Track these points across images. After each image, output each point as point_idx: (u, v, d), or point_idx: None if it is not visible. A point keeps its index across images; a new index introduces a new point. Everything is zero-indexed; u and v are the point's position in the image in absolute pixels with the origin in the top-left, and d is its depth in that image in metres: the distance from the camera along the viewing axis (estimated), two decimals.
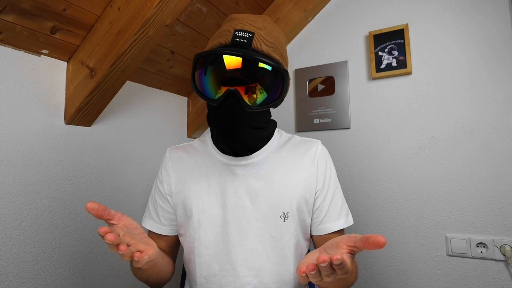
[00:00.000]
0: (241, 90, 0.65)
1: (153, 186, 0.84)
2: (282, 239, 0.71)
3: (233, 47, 0.64)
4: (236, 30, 0.65)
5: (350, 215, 0.78)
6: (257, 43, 0.64)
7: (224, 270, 0.71)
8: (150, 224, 0.82)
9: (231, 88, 0.62)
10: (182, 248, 0.82)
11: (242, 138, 0.69)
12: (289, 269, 0.72)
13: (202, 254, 0.73)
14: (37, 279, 0.95)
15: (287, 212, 0.71)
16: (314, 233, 0.77)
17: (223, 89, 0.66)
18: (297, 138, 0.81)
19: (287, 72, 0.66)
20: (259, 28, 0.67)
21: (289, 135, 0.83)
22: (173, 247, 0.83)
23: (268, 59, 0.63)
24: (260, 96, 0.66)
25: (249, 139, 0.71)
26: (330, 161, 0.79)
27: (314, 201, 0.75)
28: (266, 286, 0.70)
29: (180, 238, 0.80)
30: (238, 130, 0.68)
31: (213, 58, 0.66)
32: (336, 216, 0.75)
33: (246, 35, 0.64)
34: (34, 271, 0.95)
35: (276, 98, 0.66)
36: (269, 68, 0.64)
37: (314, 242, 0.79)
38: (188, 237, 0.75)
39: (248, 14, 0.71)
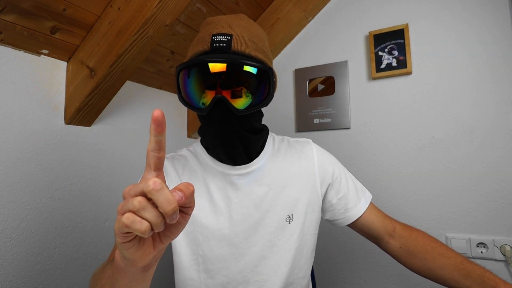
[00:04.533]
0: (227, 94, 0.63)
1: None
2: (288, 242, 0.72)
3: (213, 53, 0.63)
4: (213, 35, 0.63)
5: (367, 191, 0.83)
6: (236, 45, 0.62)
7: (233, 281, 0.71)
8: None
9: (218, 95, 0.61)
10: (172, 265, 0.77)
11: (239, 144, 0.67)
12: (295, 269, 0.73)
13: (208, 269, 0.71)
14: (37, 279, 0.95)
15: (292, 214, 0.72)
16: (345, 223, 0.80)
17: (210, 97, 0.64)
18: (289, 139, 0.83)
19: (271, 69, 0.65)
20: (236, 28, 0.65)
21: (280, 137, 0.83)
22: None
23: (251, 60, 0.63)
24: (247, 98, 0.64)
25: (247, 144, 0.69)
26: (327, 154, 0.82)
27: (325, 197, 0.78)
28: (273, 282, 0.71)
29: (177, 256, 0.73)
30: (233, 136, 0.66)
31: (196, 69, 0.65)
32: (355, 200, 0.79)
33: (224, 38, 0.62)
34: (34, 271, 0.95)
35: (264, 98, 0.65)
36: (253, 70, 0.63)
37: (354, 228, 0.82)
38: (190, 253, 0.72)
39: (225, 15, 0.70)
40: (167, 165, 0.75)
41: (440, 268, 0.72)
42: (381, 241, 0.81)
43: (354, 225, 0.81)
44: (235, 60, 0.61)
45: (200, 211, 0.71)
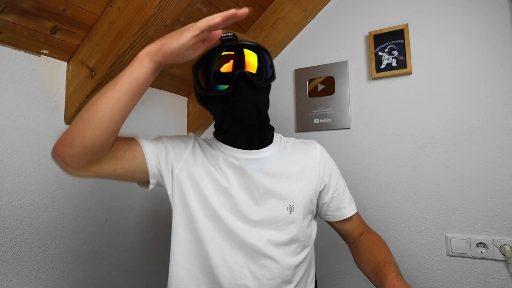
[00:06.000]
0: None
1: (164, 136, 0.81)
2: (287, 229, 0.77)
3: (224, 44, 0.73)
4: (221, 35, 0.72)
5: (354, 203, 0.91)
6: (241, 37, 0.76)
7: (234, 265, 0.73)
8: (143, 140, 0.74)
9: (239, 70, 0.70)
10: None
11: (257, 123, 0.75)
12: (293, 254, 0.78)
13: (211, 246, 0.74)
14: (37, 279, 0.95)
15: (293, 205, 0.78)
16: (332, 219, 0.87)
17: (227, 80, 0.73)
18: (294, 140, 0.89)
19: (270, 52, 0.79)
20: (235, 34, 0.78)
21: (287, 138, 0.90)
22: (129, 157, 0.71)
23: (254, 43, 0.76)
24: (261, 74, 0.76)
25: (262, 126, 0.77)
26: (329, 156, 0.89)
27: (321, 193, 0.84)
28: (271, 269, 0.75)
29: (179, 236, 0.76)
30: (254, 114, 0.74)
31: (213, 59, 0.73)
32: (348, 203, 0.87)
33: (230, 35, 0.75)
34: (34, 271, 0.95)
35: (271, 74, 0.78)
36: (260, 51, 0.75)
37: (335, 226, 0.89)
38: (196, 232, 0.75)
39: None
40: (199, 143, 0.83)
41: (367, 264, 0.79)
42: (348, 241, 0.90)
43: (336, 224, 0.88)
44: (246, 43, 0.74)
45: (206, 191, 0.75)
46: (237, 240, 0.74)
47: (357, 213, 0.89)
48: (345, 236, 0.90)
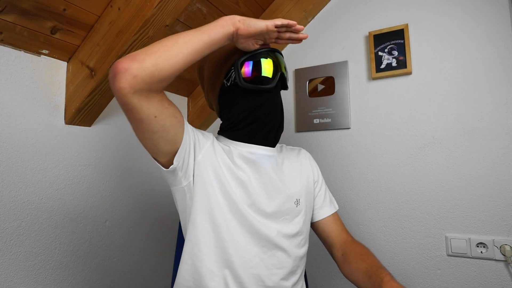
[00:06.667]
0: None
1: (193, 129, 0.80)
2: (294, 221, 0.84)
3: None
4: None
5: (335, 202, 0.98)
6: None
7: (245, 254, 0.75)
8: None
9: (280, 71, 0.82)
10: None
11: (280, 116, 0.85)
12: (299, 246, 0.84)
13: (227, 235, 0.75)
14: (37, 279, 0.95)
15: (299, 199, 0.86)
16: (315, 219, 0.92)
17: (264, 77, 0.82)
18: (286, 146, 0.98)
19: None
20: None
21: (279, 144, 0.95)
22: (170, 116, 0.71)
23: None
24: (286, 77, 0.87)
25: (281, 123, 0.86)
26: (314, 160, 0.99)
27: (314, 190, 0.93)
28: (280, 259, 0.79)
29: (195, 223, 0.75)
30: (279, 109, 0.85)
31: (261, 57, 0.81)
32: (329, 202, 0.95)
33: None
34: (34, 271, 0.95)
35: (287, 79, 0.88)
36: (282, 58, 0.86)
37: (316, 228, 0.94)
38: (213, 220, 0.75)
39: None
40: (217, 139, 0.85)
41: (357, 270, 0.81)
42: (333, 248, 0.91)
43: (319, 224, 0.93)
44: (279, 51, 0.84)
45: (223, 184, 0.77)
46: (251, 230, 0.76)
47: (339, 217, 0.95)
48: (328, 241, 0.92)
